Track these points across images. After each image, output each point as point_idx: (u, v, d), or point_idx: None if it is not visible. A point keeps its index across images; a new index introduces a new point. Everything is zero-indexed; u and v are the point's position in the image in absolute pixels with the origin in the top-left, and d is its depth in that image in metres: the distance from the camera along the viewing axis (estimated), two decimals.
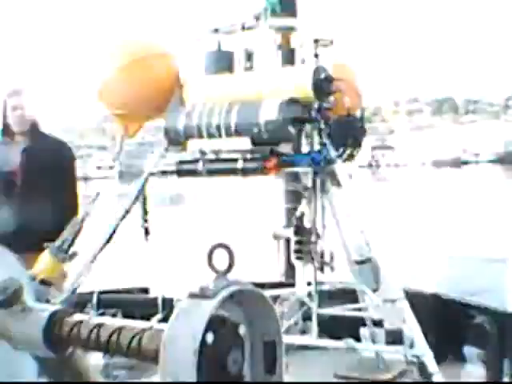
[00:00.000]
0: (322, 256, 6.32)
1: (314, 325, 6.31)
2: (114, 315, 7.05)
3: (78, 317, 1.91)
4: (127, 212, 6.61)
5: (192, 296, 1.62)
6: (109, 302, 7.32)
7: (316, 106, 5.89)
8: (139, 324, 1.80)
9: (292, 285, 7.11)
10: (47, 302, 3.93)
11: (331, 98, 5.97)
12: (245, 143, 5.93)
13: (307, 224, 6.55)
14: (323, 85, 5.89)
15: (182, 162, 6.45)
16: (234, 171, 6.07)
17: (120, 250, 7.11)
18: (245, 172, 6.02)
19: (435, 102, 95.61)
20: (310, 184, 6.30)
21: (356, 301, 6.66)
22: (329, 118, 6.02)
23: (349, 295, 6.77)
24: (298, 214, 6.72)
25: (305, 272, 6.76)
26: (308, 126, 6.00)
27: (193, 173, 6.35)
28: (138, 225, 6.63)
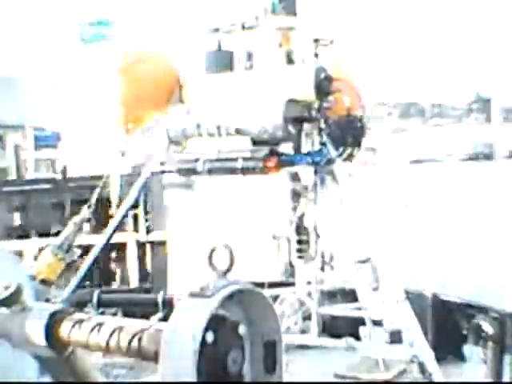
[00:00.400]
0: (322, 256, 6.32)
1: (313, 324, 6.31)
2: (114, 314, 7.05)
3: (78, 316, 1.91)
4: (127, 211, 6.61)
5: (192, 295, 1.62)
6: (109, 301, 7.31)
7: (316, 105, 5.89)
8: (139, 323, 1.80)
9: (292, 284, 7.11)
10: (47, 301, 3.94)
11: (331, 98, 5.97)
12: (245, 143, 5.93)
13: (307, 223, 6.54)
14: (323, 84, 5.89)
15: (182, 161, 6.44)
16: (234, 170, 6.07)
17: None
18: (245, 171, 6.02)
19: (401, 106, 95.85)
20: (309, 183, 6.30)
21: (356, 300, 6.66)
22: (328, 118, 6.02)
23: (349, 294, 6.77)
24: (298, 213, 6.72)
25: (305, 271, 6.76)
26: (308, 126, 5.99)
27: (193, 172, 6.35)
28: None
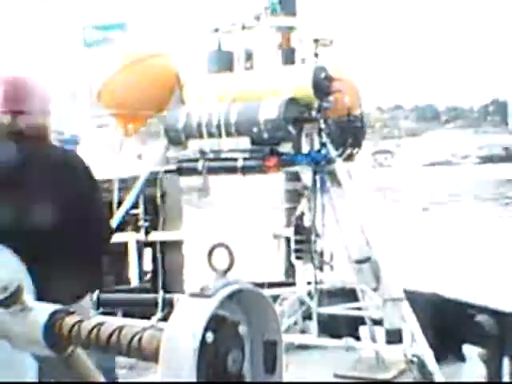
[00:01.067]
0: (321, 255, 6.32)
1: (313, 324, 6.31)
2: (114, 314, 7.04)
3: (78, 316, 1.91)
4: (128, 211, 6.62)
5: (192, 295, 1.63)
6: (109, 301, 7.31)
7: (316, 105, 5.89)
8: (139, 323, 1.80)
9: (292, 284, 7.11)
10: None
11: (331, 98, 5.97)
12: (245, 143, 5.93)
13: (307, 223, 6.55)
14: (323, 84, 5.89)
15: (182, 161, 6.45)
16: (234, 170, 6.08)
17: None
18: (245, 171, 6.03)
19: (417, 109, 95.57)
20: (309, 183, 6.31)
21: (356, 300, 6.66)
22: (328, 118, 6.03)
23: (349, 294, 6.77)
24: (297, 213, 6.72)
25: (305, 271, 6.76)
26: (308, 126, 6.00)
27: (193, 171, 6.36)
28: None
